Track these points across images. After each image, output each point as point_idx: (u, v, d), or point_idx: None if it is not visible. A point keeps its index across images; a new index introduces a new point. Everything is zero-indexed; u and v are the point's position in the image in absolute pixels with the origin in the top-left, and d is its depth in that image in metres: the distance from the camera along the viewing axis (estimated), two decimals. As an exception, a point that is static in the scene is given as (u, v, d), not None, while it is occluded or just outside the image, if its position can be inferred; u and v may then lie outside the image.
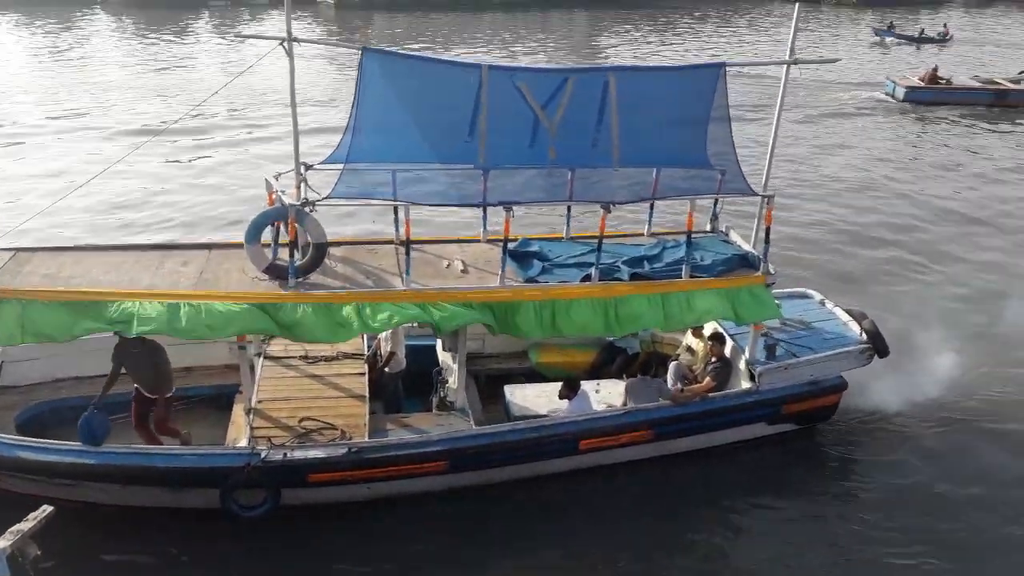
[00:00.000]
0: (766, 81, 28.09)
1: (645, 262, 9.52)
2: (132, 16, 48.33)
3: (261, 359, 9.84)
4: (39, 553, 6.64)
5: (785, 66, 8.91)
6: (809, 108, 28.38)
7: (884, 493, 9.51)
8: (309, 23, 49.03)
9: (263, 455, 8.19)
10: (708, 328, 10.32)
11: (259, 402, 9.07)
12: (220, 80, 24.92)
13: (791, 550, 8.63)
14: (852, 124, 27.10)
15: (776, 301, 9.45)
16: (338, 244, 9.30)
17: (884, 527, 8.89)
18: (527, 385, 10.41)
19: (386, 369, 9.99)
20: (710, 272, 9.32)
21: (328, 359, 9.91)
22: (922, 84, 30.33)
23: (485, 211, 9.76)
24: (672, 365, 10.35)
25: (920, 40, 45.87)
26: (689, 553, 8.63)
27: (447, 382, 9.56)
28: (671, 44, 43.66)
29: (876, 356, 10.21)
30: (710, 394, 9.68)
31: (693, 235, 10.14)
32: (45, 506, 6.45)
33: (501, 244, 9.30)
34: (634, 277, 9.10)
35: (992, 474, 9.70)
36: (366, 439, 8.58)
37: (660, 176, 9.18)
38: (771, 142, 9.35)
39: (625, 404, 9.60)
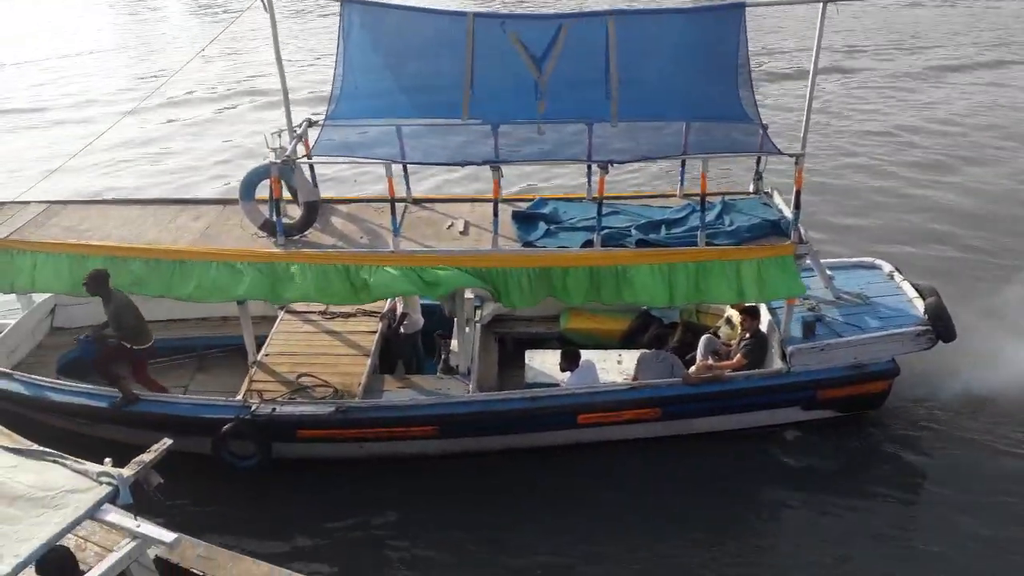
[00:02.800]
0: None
1: (663, 227, 8.72)
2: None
3: (283, 312, 10.07)
4: (161, 481, 7.26)
5: (821, 4, 7.66)
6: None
7: (931, 498, 8.37)
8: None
9: (252, 409, 8.39)
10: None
11: (266, 356, 9.30)
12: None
13: (799, 546, 7.85)
14: None
15: (803, 276, 8.37)
16: (338, 201, 9.24)
17: (926, 535, 7.84)
18: (549, 352, 9.97)
19: (401, 330, 9.90)
20: (733, 239, 8.39)
21: (346, 315, 9.97)
22: None
23: (499, 169, 9.34)
24: (704, 339, 9.54)
25: None
26: (685, 540, 7.96)
27: (450, 345, 9.34)
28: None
29: (939, 340, 8.84)
30: (730, 374, 8.82)
31: (731, 197, 9.31)
32: (165, 439, 7.02)
33: (515, 203, 9.02)
34: (641, 244, 8.36)
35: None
36: (356, 399, 8.57)
37: (671, 131, 8.30)
38: (808, 95, 8.15)
39: (636, 378, 8.97)
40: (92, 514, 4.49)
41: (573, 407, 8.62)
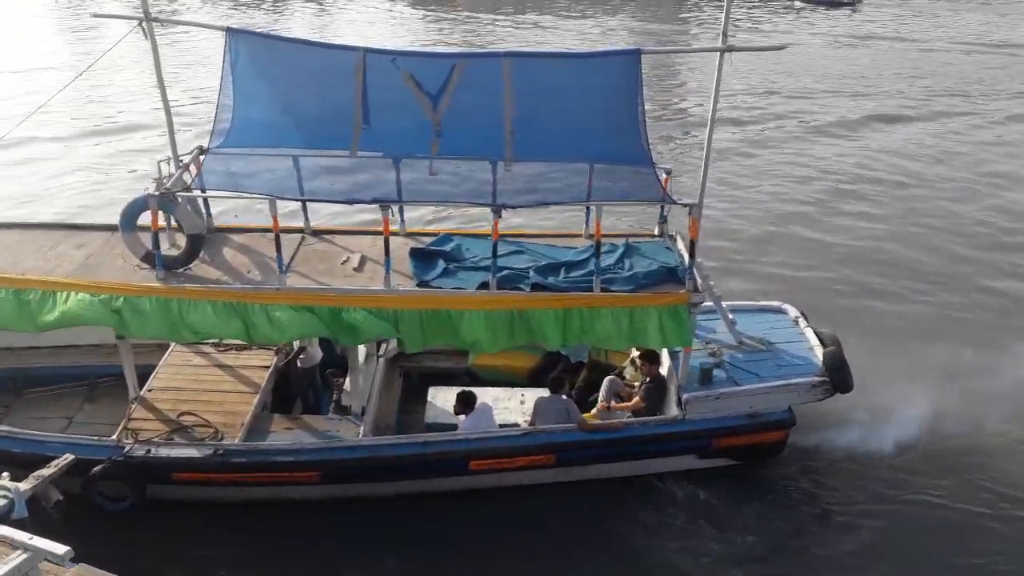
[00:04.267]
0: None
1: (563, 270, 8.55)
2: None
3: (173, 344, 9.66)
4: (60, 498, 6.95)
5: (718, 54, 7.57)
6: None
7: (822, 547, 8.33)
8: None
9: (125, 450, 7.99)
10: None
11: (149, 391, 8.90)
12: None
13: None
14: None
15: (691, 327, 8.26)
16: (231, 230, 8.93)
17: None
18: (455, 389, 9.68)
19: (297, 364, 9.57)
20: (629, 285, 8.26)
21: (239, 348, 9.61)
22: None
23: (402, 206, 9.14)
24: (607, 380, 9.38)
25: (831, 4, 43.84)
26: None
27: (342, 384, 9.04)
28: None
29: (835, 391, 8.82)
30: (624, 421, 8.69)
31: (635, 239, 9.20)
32: (67, 454, 6.55)
33: (420, 238, 8.84)
34: (537, 287, 8.18)
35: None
36: (236, 441, 8.22)
37: (562, 175, 8.17)
38: (706, 142, 8.06)
39: (532, 423, 8.77)
40: None
41: (465, 453, 8.39)
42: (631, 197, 8.24)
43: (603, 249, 8.90)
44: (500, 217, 7.81)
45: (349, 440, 8.37)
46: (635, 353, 9.67)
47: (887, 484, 9.03)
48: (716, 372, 8.80)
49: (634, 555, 8.21)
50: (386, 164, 7.96)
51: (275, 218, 7.75)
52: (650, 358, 8.97)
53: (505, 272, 8.29)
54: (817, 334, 9.38)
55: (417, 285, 8.21)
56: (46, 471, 6.23)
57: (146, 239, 8.16)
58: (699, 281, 8.21)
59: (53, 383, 9.87)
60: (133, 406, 8.62)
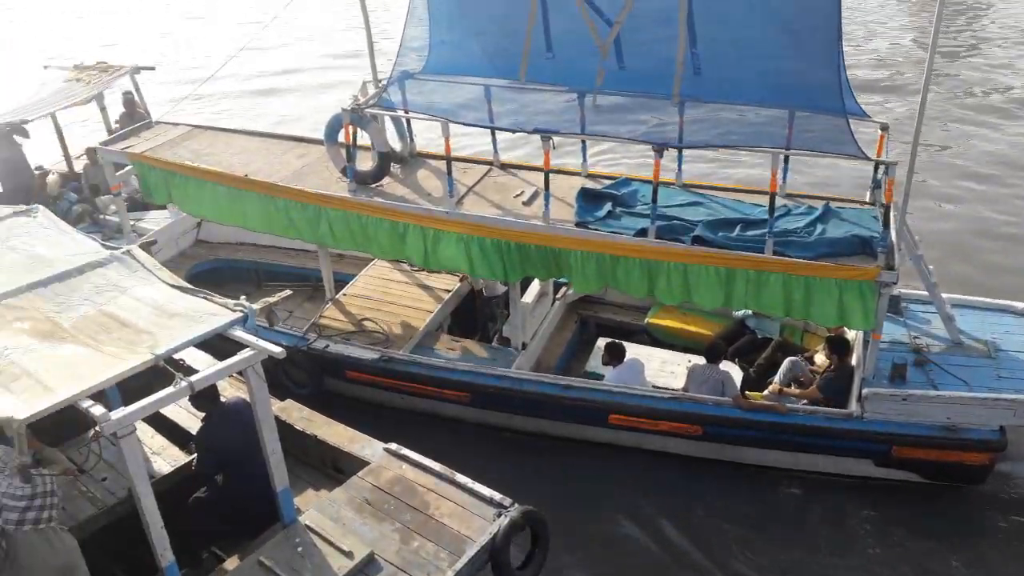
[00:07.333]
0: None
1: (738, 227, 7.73)
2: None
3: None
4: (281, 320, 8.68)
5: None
6: None
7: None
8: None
9: (309, 342, 8.94)
10: (851, 332, 8.17)
11: (344, 295, 9.82)
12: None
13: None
14: None
15: (877, 311, 6.94)
16: (431, 156, 9.36)
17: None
18: (628, 345, 9.39)
19: (483, 292, 9.88)
20: (808, 252, 7.23)
21: (431, 269, 10.17)
22: None
23: (584, 144, 8.94)
24: (788, 361, 8.43)
25: None
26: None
27: (507, 316, 9.16)
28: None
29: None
30: (787, 406, 7.73)
31: (840, 204, 8.07)
32: (286, 289, 8.07)
33: (601, 180, 8.63)
34: (697, 241, 7.51)
35: None
36: (401, 352, 8.76)
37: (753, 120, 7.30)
38: (924, 78, 6.61)
39: (685, 389, 8.18)
40: (227, 329, 5.58)
41: (604, 404, 8.10)
42: (818, 148, 7.13)
43: (798, 211, 7.99)
44: (661, 157, 7.26)
45: (496, 369, 8.50)
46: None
47: None
48: (913, 370, 7.42)
49: (771, 553, 7.35)
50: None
51: (447, 140, 7.98)
52: (835, 345, 7.85)
53: (673, 222, 7.74)
54: (1064, 345, 7.47)
55: (576, 225, 7.99)
56: (271, 299, 7.32)
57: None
58: (896, 256, 6.92)
59: (287, 280, 11.31)
60: (327, 306, 9.59)
